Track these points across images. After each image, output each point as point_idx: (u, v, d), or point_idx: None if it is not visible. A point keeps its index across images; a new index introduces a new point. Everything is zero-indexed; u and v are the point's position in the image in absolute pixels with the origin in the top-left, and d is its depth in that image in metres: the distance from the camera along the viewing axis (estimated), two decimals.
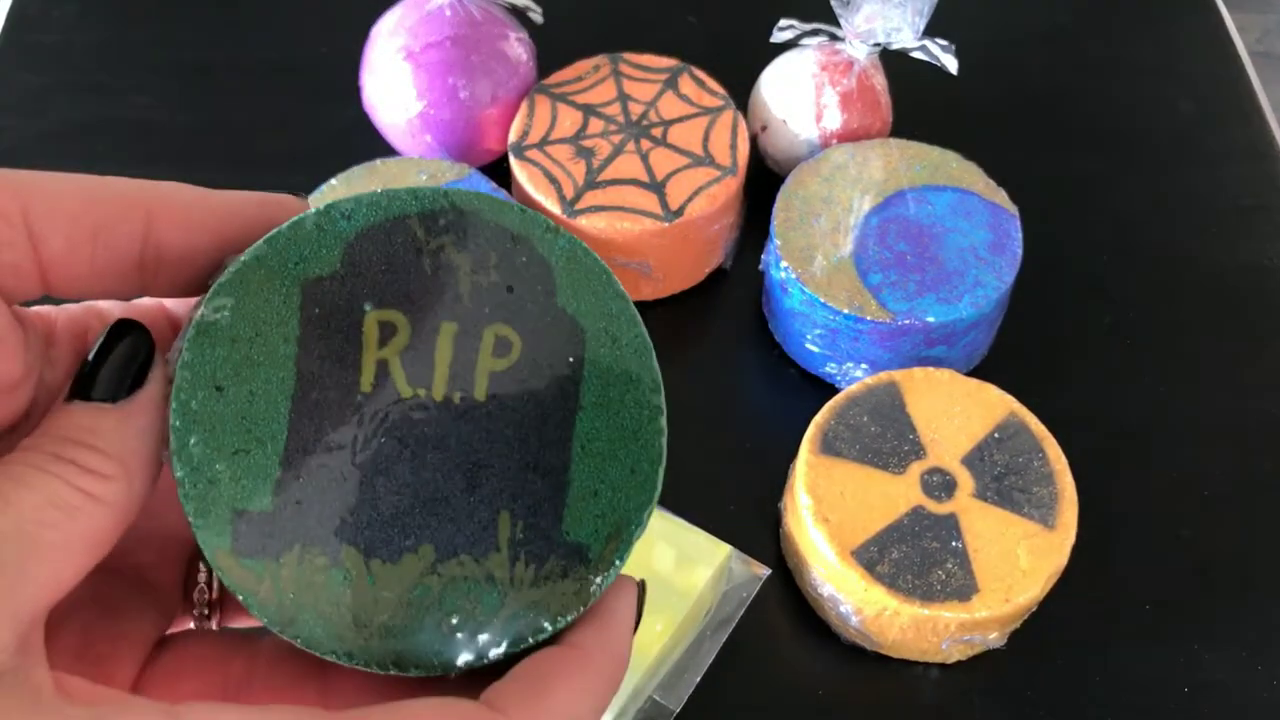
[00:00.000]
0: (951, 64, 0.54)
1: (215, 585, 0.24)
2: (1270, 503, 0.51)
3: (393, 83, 0.55)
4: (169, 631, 0.24)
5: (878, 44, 0.55)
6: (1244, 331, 0.57)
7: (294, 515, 0.21)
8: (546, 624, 0.22)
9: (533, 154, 0.54)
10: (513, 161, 0.55)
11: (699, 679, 0.45)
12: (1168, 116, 0.65)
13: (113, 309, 0.24)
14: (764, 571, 0.47)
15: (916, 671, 0.46)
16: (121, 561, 0.23)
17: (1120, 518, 0.50)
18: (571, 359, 0.23)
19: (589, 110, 0.56)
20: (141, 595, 0.23)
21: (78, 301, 0.23)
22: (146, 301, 0.25)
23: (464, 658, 0.22)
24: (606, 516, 0.23)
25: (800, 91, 0.55)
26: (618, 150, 0.54)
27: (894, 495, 0.45)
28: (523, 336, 0.22)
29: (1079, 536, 0.44)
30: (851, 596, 0.44)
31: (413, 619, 0.22)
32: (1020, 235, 0.52)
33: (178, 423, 0.21)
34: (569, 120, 0.55)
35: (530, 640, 0.22)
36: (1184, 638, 0.47)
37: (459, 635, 0.22)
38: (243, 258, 0.22)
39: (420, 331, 0.22)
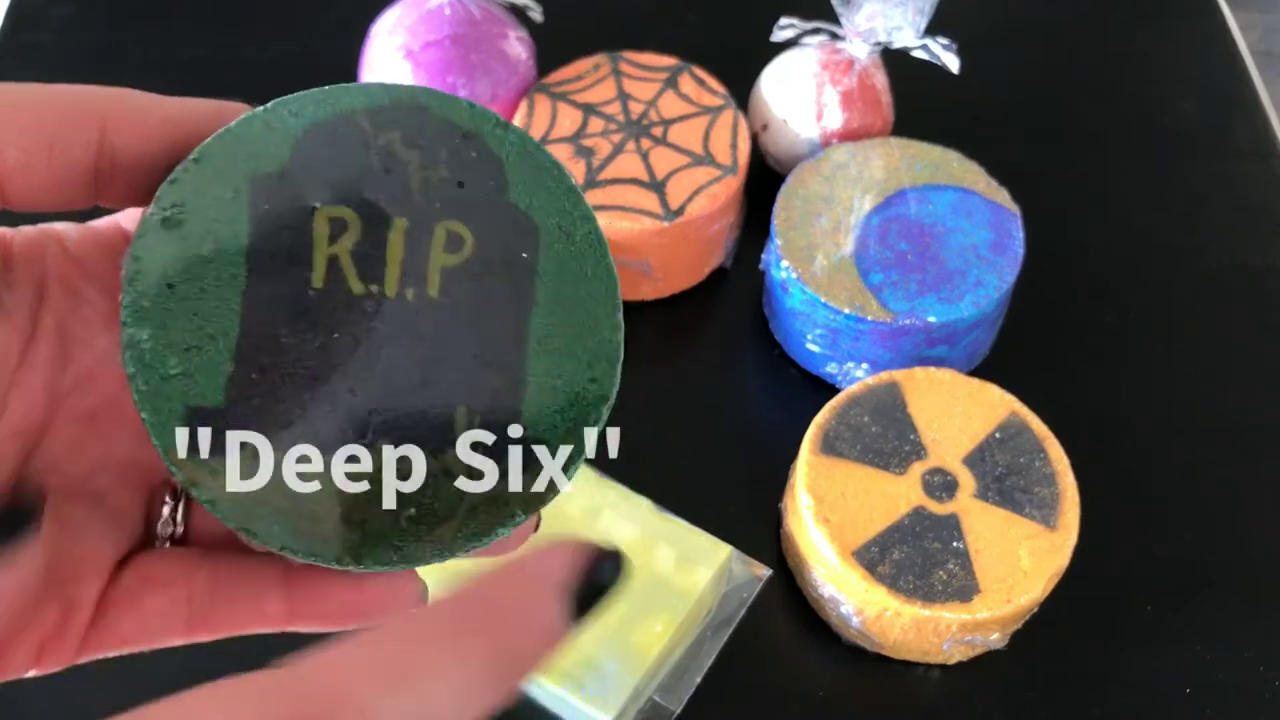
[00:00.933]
0: (953, 63, 0.53)
1: (180, 517, 0.24)
2: (1270, 503, 0.51)
3: (392, 82, 0.55)
4: (131, 550, 0.24)
5: (879, 43, 0.55)
6: (1244, 331, 0.56)
7: (248, 411, 0.21)
8: (507, 519, 0.22)
9: None
10: None
11: (699, 679, 0.45)
12: (1169, 116, 0.65)
13: (69, 230, 0.24)
14: (765, 572, 0.47)
15: (918, 672, 0.46)
16: (80, 485, 0.23)
17: (1121, 518, 0.50)
18: (525, 255, 0.22)
19: (589, 109, 0.56)
20: (102, 517, 0.23)
21: (32, 214, 0.23)
22: (102, 222, 0.24)
23: (424, 552, 0.22)
24: (564, 412, 0.22)
25: (801, 90, 0.55)
26: (618, 149, 0.54)
27: (895, 495, 0.45)
28: (475, 232, 0.22)
29: (1080, 537, 0.44)
30: (852, 597, 0.44)
31: (369, 514, 0.22)
32: (1022, 235, 0.52)
33: (128, 319, 0.21)
34: (569, 119, 0.55)
35: (490, 536, 0.22)
36: (1184, 638, 0.47)
37: (418, 529, 0.22)
38: (191, 156, 0.21)
39: (371, 227, 0.22)
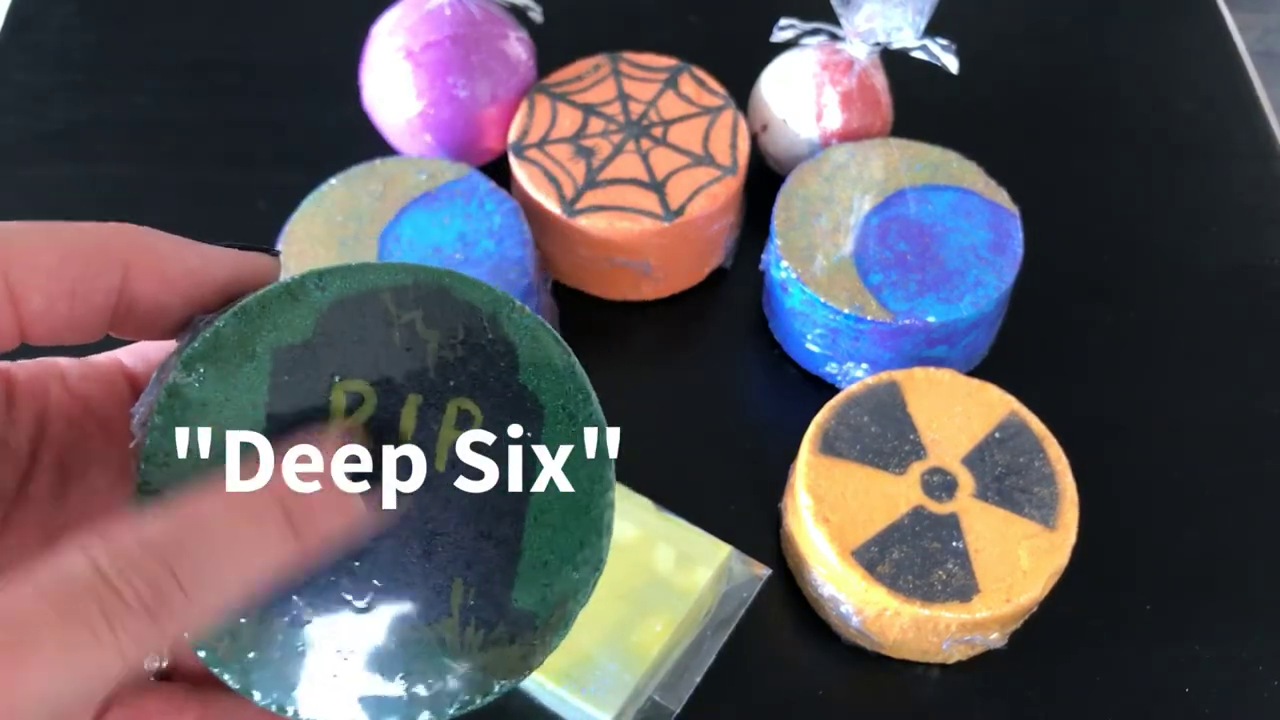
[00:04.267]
0: (952, 63, 0.53)
1: (166, 651, 0.25)
2: (1270, 503, 0.51)
3: (392, 82, 0.55)
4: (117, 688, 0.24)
5: (878, 43, 0.55)
6: (1244, 331, 0.56)
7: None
8: (495, 685, 0.23)
9: (532, 153, 0.54)
10: (512, 161, 0.55)
11: (699, 679, 0.45)
12: (1168, 116, 0.65)
13: (71, 366, 0.24)
14: (764, 572, 0.47)
15: (917, 672, 0.46)
16: None
17: (1120, 518, 0.50)
18: (529, 434, 0.23)
19: (589, 110, 0.56)
20: None
21: (43, 349, 0.23)
22: (103, 358, 0.25)
23: (414, 715, 0.23)
24: (554, 586, 0.24)
25: (800, 91, 0.55)
26: (618, 150, 0.54)
27: (894, 495, 0.45)
28: (484, 410, 0.23)
29: (1080, 536, 0.44)
30: (852, 597, 0.44)
31: (373, 683, 0.23)
32: (1021, 235, 0.52)
33: (145, 482, 0.21)
34: (569, 120, 0.55)
35: (476, 701, 0.23)
36: (1184, 638, 0.47)
37: (411, 693, 0.23)
38: (218, 324, 0.22)
39: (386, 402, 0.23)
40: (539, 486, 0.23)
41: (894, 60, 0.57)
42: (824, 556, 0.44)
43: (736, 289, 0.57)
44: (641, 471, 0.46)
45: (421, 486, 0.23)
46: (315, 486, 0.22)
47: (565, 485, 0.24)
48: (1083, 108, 0.65)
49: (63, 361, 0.24)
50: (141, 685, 0.24)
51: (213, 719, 0.23)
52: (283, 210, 0.52)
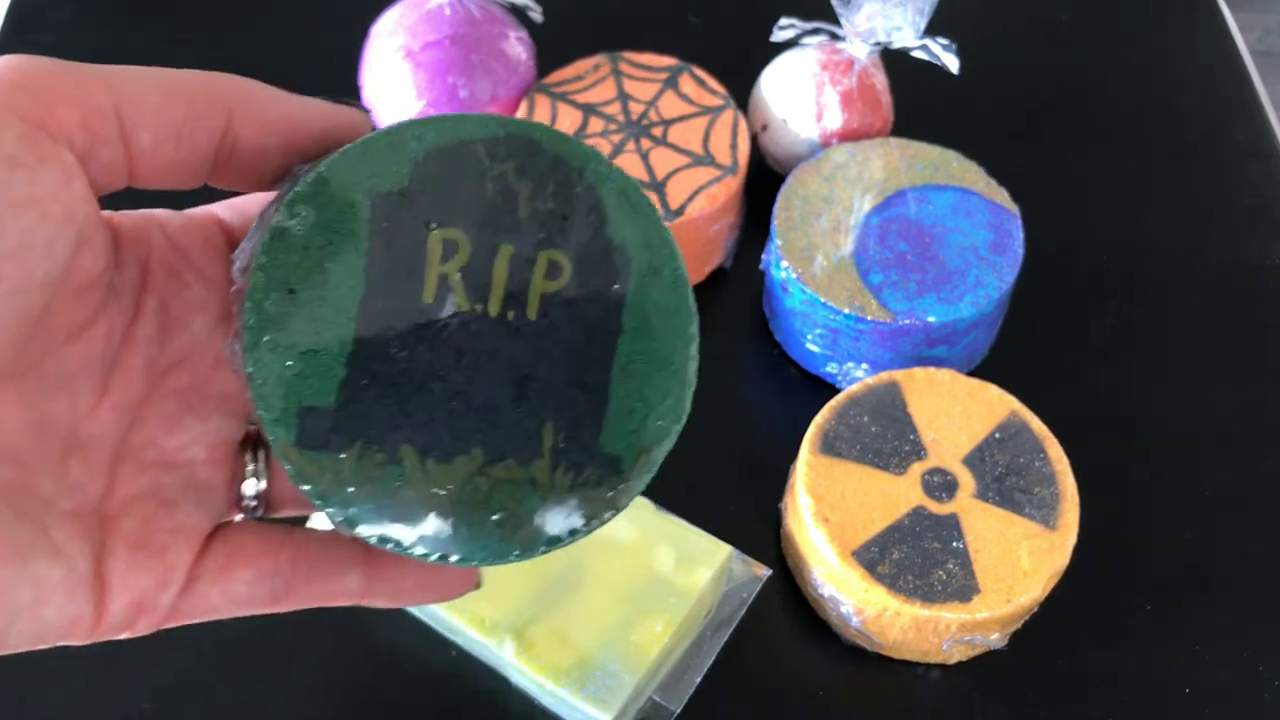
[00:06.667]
0: (953, 63, 0.53)
1: (262, 482, 0.26)
2: (1270, 503, 0.51)
3: (392, 82, 0.55)
4: (221, 523, 0.25)
5: (878, 43, 0.55)
6: (1244, 331, 0.56)
7: (357, 413, 0.23)
8: (581, 524, 0.24)
9: None
10: None
11: (699, 679, 0.45)
12: (1169, 116, 0.65)
13: (171, 218, 0.25)
14: (764, 572, 0.47)
15: (917, 672, 0.46)
16: (174, 459, 0.24)
17: (1120, 518, 0.50)
18: (616, 286, 0.24)
19: (589, 109, 0.56)
20: (194, 491, 0.24)
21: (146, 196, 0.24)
22: (200, 211, 0.26)
23: (506, 552, 0.24)
24: (639, 433, 0.24)
25: (801, 91, 0.55)
26: (618, 150, 0.54)
27: (895, 495, 0.45)
28: (573, 262, 0.24)
29: (1080, 537, 0.44)
30: (852, 597, 0.44)
31: (461, 514, 0.23)
32: (1021, 235, 0.52)
33: (251, 321, 0.22)
34: (569, 119, 0.55)
35: (566, 539, 0.24)
36: (1184, 638, 0.47)
37: (503, 531, 0.23)
38: (320, 169, 0.23)
39: (480, 250, 0.23)
40: (624, 337, 0.24)
41: (894, 60, 0.57)
42: (824, 556, 0.44)
43: (736, 289, 0.57)
44: None
45: (514, 333, 0.24)
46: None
47: (650, 337, 0.24)
48: (1083, 108, 0.65)
49: (161, 212, 0.25)
50: (240, 524, 0.25)
51: (308, 556, 0.25)
52: None
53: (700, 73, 0.57)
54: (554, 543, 0.24)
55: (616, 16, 0.68)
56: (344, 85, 0.59)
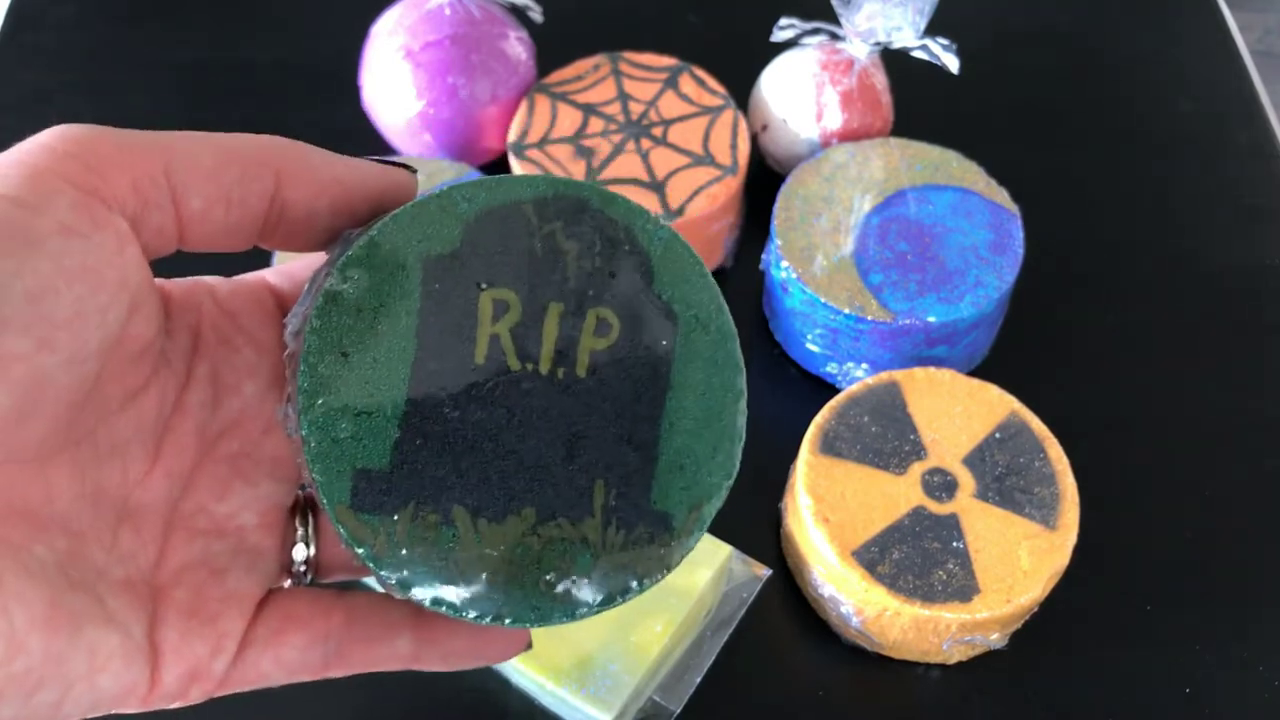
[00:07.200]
0: (953, 63, 0.53)
1: (312, 547, 0.26)
2: (1270, 503, 0.51)
3: (392, 82, 0.55)
4: (272, 589, 0.25)
5: (878, 43, 0.55)
6: (1244, 331, 0.56)
7: (410, 474, 0.23)
8: (634, 584, 0.24)
9: (532, 153, 0.54)
10: (512, 161, 0.55)
11: (699, 679, 0.45)
12: (1168, 116, 0.65)
13: (220, 284, 0.25)
14: (764, 572, 0.47)
15: (917, 672, 0.46)
16: (225, 526, 0.24)
17: (1120, 518, 0.50)
18: (664, 342, 0.24)
19: (589, 109, 0.56)
20: (244, 558, 0.25)
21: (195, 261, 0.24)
22: (249, 276, 0.26)
23: (558, 613, 0.24)
24: (690, 489, 0.25)
25: (801, 91, 0.55)
26: (618, 150, 0.54)
27: (895, 495, 0.45)
28: (622, 319, 0.24)
29: (1080, 537, 0.44)
30: (852, 597, 0.44)
31: (513, 575, 0.23)
32: (1021, 235, 0.52)
33: (305, 384, 0.22)
34: (569, 119, 0.55)
35: (618, 599, 0.24)
36: (1184, 638, 0.47)
37: (555, 592, 0.23)
38: (372, 233, 0.23)
39: (530, 310, 0.24)
40: (673, 393, 0.24)
41: (894, 60, 0.57)
42: (824, 556, 0.44)
43: (736, 289, 0.57)
44: None
45: (564, 391, 0.24)
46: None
47: (698, 393, 0.24)
48: (1083, 108, 0.65)
49: (211, 279, 0.25)
50: (290, 589, 0.25)
51: (359, 620, 0.25)
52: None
53: (700, 73, 0.57)
54: (606, 603, 0.24)
55: (616, 16, 0.68)
56: (344, 85, 0.59)
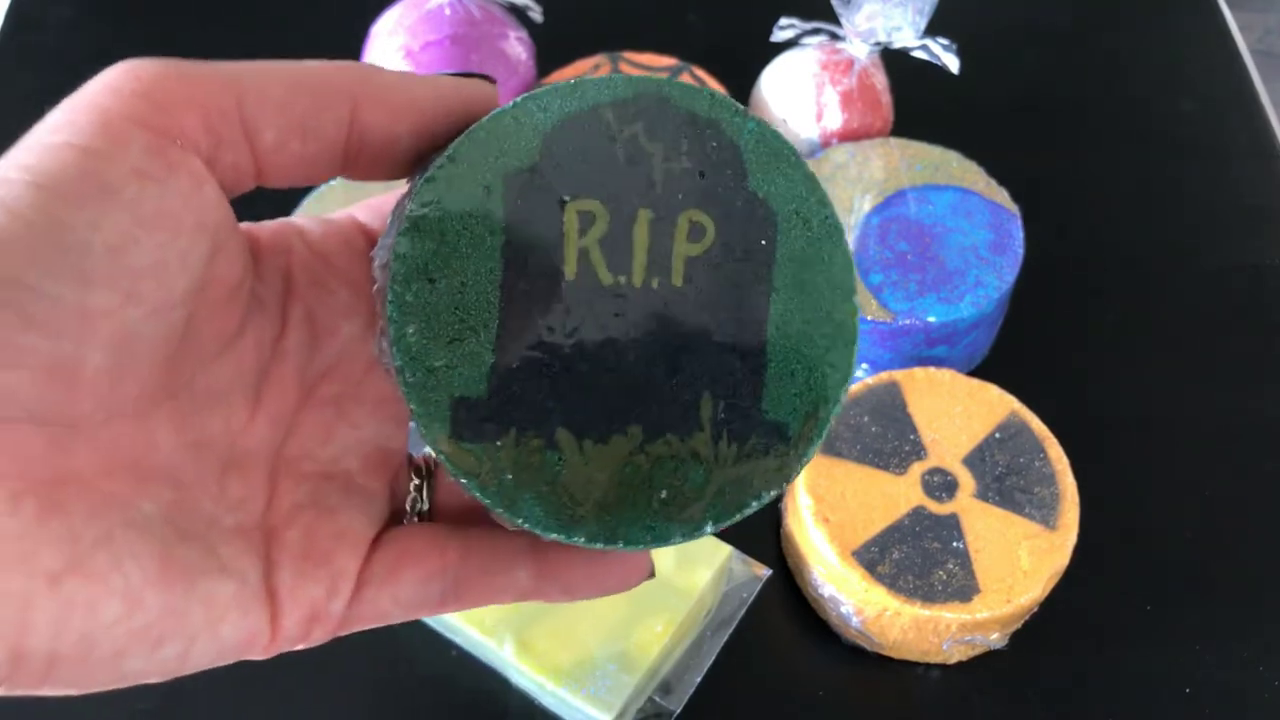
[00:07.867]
0: (953, 63, 0.53)
1: (425, 493, 0.25)
2: (1270, 503, 0.51)
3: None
4: (384, 528, 0.25)
5: (879, 43, 0.55)
6: (1244, 331, 0.56)
7: (509, 400, 0.22)
8: (751, 499, 0.23)
9: None
10: None
11: (699, 679, 0.45)
12: (1169, 116, 0.65)
13: (310, 224, 0.25)
14: (764, 572, 0.47)
15: (917, 672, 0.46)
16: (331, 468, 0.24)
17: (1120, 518, 0.50)
18: (764, 242, 0.23)
19: None
20: (353, 499, 0.24)
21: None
22: (339, 215, 0.25)
23: (675, 532, 0.23)
24: (804, 395, 0.23)
25: (801, 90, 0.55)
26: None
27: (895, 495, 0.45)
28: (716, 221, 0.23)
29: (1080, 537, 0.44)
30: (852, 597, 0.44)
31: (624, 496, 0.22)
32: (1021, 235, 0.52)
33: (394, 314, 0.22)
34: None
35: (736, 515, 0.23)
36: (1184, 638, 0.47)
37: (669, 510, 0.23)
38: (447, 153, 0.22)
39: (618, 220, 0.23)
40: (777, 295, 0.23)
41: (894, 60, 0.57)
42: (824, 556, 0.44)
43: None
44: None
45: (660, 301, 0.23)
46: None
47: (804, 292, 0.23)
48: (1083, 108, 0.65)
49: (300, 220, 0.25)
50: (405, 527, 0.25)
51: (476, 554, 0.24)
52: (283, 210, 0.52)
53: (700, 73, 0.57)
54: (723, 518, 0.23)
55: (616, 16, 0.68)
56: None
